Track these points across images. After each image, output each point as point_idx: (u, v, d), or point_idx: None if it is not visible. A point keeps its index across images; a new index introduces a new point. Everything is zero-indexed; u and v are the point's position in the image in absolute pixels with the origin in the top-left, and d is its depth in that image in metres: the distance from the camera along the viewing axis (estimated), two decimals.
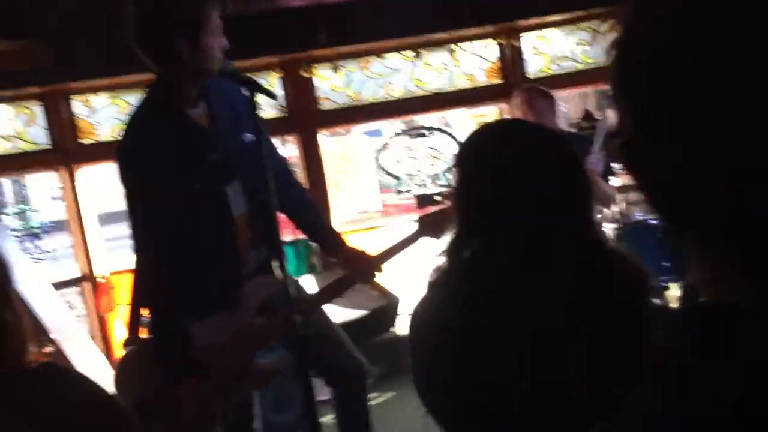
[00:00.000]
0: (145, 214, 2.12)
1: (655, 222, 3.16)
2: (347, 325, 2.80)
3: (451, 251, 1.31)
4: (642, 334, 1.18)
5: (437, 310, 1.32)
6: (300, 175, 4.55)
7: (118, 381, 2.19)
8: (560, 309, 1.20)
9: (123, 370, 2.25)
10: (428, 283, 1.37)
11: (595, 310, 1.22)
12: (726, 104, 0.51)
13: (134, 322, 2.28)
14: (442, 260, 1.32)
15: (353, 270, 2.31)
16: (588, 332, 1.20)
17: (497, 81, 4.73)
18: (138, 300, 2.31)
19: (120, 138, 2.25)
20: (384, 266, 2.32)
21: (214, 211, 2.14)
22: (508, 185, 1.25)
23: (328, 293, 2.35)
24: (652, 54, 0.55)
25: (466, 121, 5.65)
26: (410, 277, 4.17)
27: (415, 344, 1.35)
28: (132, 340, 2.28)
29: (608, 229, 3.19)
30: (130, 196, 2.11)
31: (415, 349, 1.34)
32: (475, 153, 1.33)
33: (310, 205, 2.44)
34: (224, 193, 2.15)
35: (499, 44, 4.68)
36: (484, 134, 1.36)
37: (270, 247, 2.14)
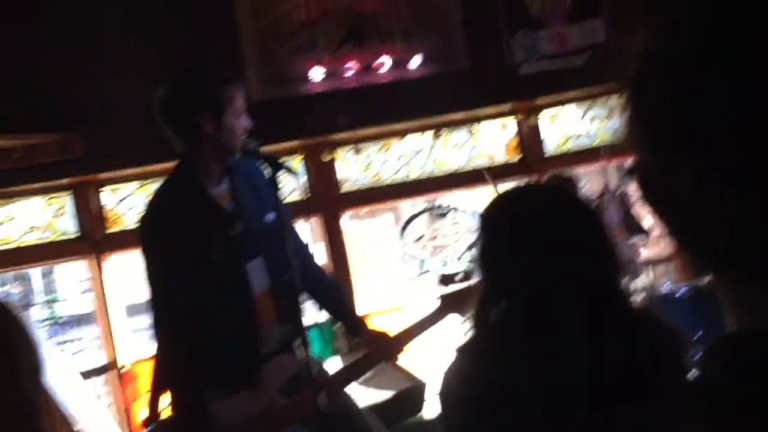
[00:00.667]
0: (165, 288, 2.13)
1: (682, 293, 3.11)
2: (372, 409, 2.74)
3: (478, 315, 1.30)
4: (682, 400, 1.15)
5: (466, 375, 1.30)
6: (323, 257, 4.56)
7: None
8: (590, 369, 1.17)
9: None
10: (456, 349, 1.35)
11: (627, 372, 1.19)
12: (758, 120, 0.49)
13: (155, 402, 2.26)
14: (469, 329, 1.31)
15: (375, 349, 2.28)
16: (621, 390, 1.17)
17: (516, 158, 4.78)
18: (159, 379, 2.29)
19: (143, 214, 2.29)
20: (407, 345, 2.30)
21: (235, 287, 2.15)
22: (531, 245, 1.25)
23: (351, 372, 2.32)
24: (675, 69, 0.53)
25: (488, 199, 5.69)
26: (437, 361, 4.11)
27: (447, 411, 1.32)
28: (152, 419, 2.25)
29: (636, 300, 3.14)
30: (151, 270, 2.13)
31: (446, 417, 1.32)
32: (497, 215, 1.34)
33: (331, 285, 2.47)
34: (245, 269, 2.16)
35: (518, 122, 4.75)
36: (506, 197, 1.38)
37: (293, 325, 2.13)
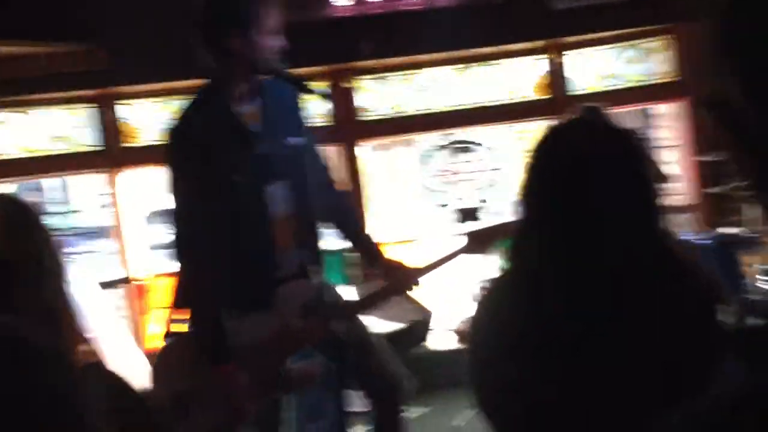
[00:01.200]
0: (187, 203, 2.14)
1: (702, 242, 3.07)
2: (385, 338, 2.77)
3: (515, 249, 1.29)
4: (711, 350, 1.14)
5: (499, 308, 1.30)
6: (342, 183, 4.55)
7: (156, 373, 2.20)
8: (627, 311, 1.16)
9: (160, 362, 2.25)
10: (490, 281, 1.34)
11: (662, 316, 1.18)
12: None
13: (174, 318, 2.29)
14: (484, 276, 1.30)
15: (393, 281, 2.28)
16: (654, 337, 1.16)
17: (543, 96, 4.67)
18: (180, 295, 2.32)
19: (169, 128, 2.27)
20: (423, 278, 2.30)
21: (255, 208, 2.14)
22: (574, 183, 1.22)
23: (367, 303, 2.33)
24: None
25: (509, 137, 5.60)
26: (442, 293, 4.13)
27: (476, 342, 1.32)
28: (171, 334, 2.28)
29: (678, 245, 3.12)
30: (174, 184, 2.14)
31: (475, 347, 1.32)
32: (546, 151, 1.31)
33: (350, 214, 2.44)
34: (264, 191, 2.15)
35: (547, 59, 4.62)
36: (552, 133, 1.34)
37: (310, 250, 2.13)
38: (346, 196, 2.50)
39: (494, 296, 1.33)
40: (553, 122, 1.38)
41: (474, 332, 1.33)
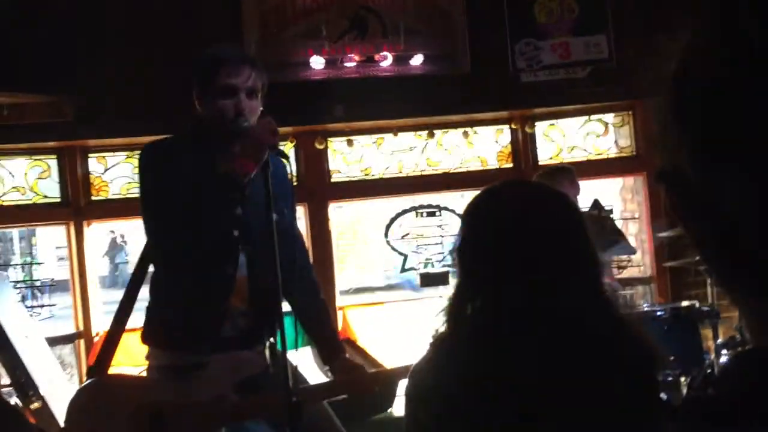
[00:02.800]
0: (154, 214, 2.13)
1: (661, 313, 3.11)
2: (343, 402, 2.72)
3: (453, 310, 1.29)
4: (650, 409, 1.15)
5: (439, 369, 1.29)
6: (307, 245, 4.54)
7: (70, 416, 2.10)
8: (565, 366, 1.17)
9: (76, 405, 2.14)
10: (430, 343, 1.34)
11: (601, 372, 1.18)
12: None
13: (106, 354, 2.24)
14: (442, 323, 1.30)
15: (345, 383, 2.20)
16: (593, 394, 1.17)
17: (508, 165, 4.78)
18: (116, 332, 2.28)
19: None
20: (381, 385, 2.22)
21: (209, 257, 2.10)
22: (509, 242, 1.24)
23: (318, 395, 2.23)
24: (725, 71, 0.51)
25: None
26: (409, 357, 4.09)
27: (415, 405, 1.31)
28: (98, 371, 2.22)
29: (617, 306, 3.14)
30: (143, 201, 2.14)
31: (414, 410, 1.31)
32: (476, 211, 1.33)
33: (318, 305, 2.34)
34: (222, 248, 2.12)
35: (512, 130, 4.75)
36: (487, 193, 1.36)
37: (268, 321, 2.10)
38: (317, 285, 2.38)
39: (432, 358, 1.32)
40: (490, 186, 1.41)
41: (413, 395, 1.33)
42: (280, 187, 2.04)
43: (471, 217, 1.34)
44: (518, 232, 1.25)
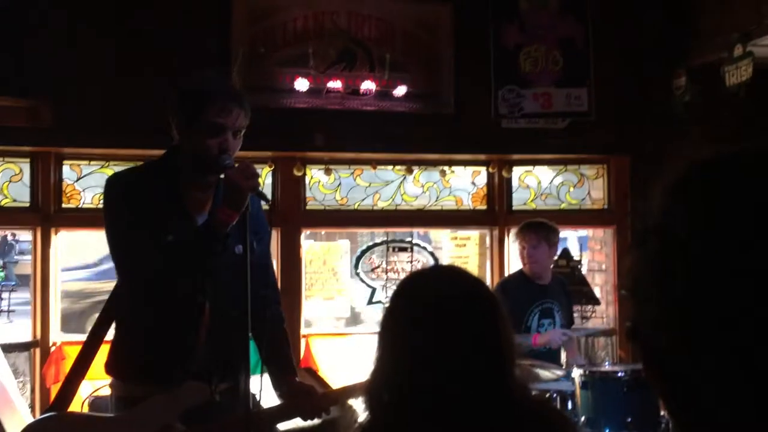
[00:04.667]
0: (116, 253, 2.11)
1: (621, 375, 3.13)
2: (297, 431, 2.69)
3: (371, 396, 1.31)
4: None
5: None
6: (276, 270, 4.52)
7: None
8: None
9: None
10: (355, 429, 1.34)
11: None
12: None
13: (69, 389, 2.20)
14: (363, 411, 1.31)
15: (296, 406, 2.19)
16: None
17: (482, 207, 4.83)
18: (83, 364, 2.25)
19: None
20: (333, 405, 2.22)
21: (173, 291, 2.08)
22: (423, 331, 1.26)
23: (273, 416, 2.22)
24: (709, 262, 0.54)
25: (447, 241, 5.71)
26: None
27: None
28: (58, 407, 2.18)
29: (576, 374, 3.16)
30: (108, 231, 2.10)
31: None
32: (398, 297, 1.36)
33: (277, 334, 2.32)
34: (187, 282, 2.10)
35: (489, 173, 4.81)
36: (410, 280, 1.39)
37: (227, 355, 2.10)
38: (281, 315, 2.37)
39: None
40: (417, 270, 1.45)
41: None
42: (251, 220, 2.03)
43: (393, 299, 1.37)
44: (433, 319, 1.27)
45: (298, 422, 3.28)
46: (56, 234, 4.31)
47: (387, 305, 1.36)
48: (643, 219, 0.61)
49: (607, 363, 3.48)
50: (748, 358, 0.52)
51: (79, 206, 4.33)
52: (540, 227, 3.83)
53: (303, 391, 2.21)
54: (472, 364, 1.25)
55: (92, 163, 4.33)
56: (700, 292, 0.54)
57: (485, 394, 1.24)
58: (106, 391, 2.41)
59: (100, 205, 4.27)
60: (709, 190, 0.58)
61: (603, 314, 4.92)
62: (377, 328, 1.37)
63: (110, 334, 2.33)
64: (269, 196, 4.32)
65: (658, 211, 0.60)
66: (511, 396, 1.28)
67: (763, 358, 0.52)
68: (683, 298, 0.55)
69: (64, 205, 4.31)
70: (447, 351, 1.24)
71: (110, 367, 2.21)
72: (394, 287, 1.43)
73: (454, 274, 1.44)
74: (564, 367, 3.58)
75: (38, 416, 3.95)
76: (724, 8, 4.22)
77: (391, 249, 5.30)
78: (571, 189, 4.90)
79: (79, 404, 2.72)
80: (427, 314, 1.28)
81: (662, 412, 3.00)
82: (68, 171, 4.32)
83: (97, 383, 3.51)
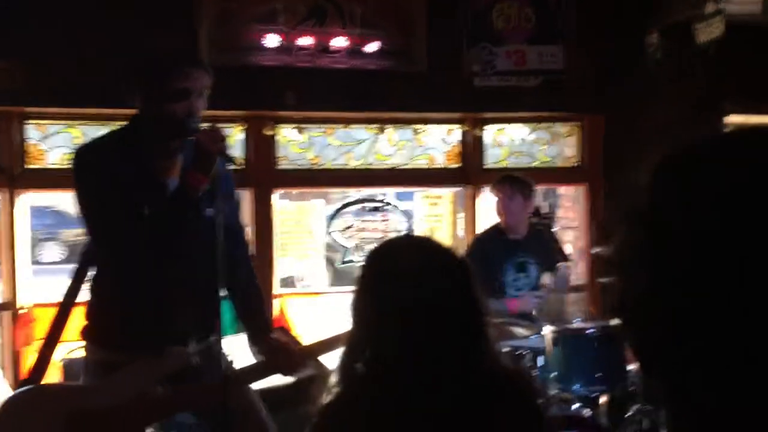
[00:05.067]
0: (89, 224, 2.09)
1: (592, 332, 3.19)
2: (272, 391, 2.71)
3: (343, 368, 1.31)
4: None
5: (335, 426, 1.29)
6: (248, 230, 4.50)
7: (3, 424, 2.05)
8: (454, 421, 1.19)
9: (9, 413, 2.09)
10: (322, 406, 1.35)
11: (486, 426, 1.22)
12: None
13: (45, 356, 2.19)
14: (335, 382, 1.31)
15: (273, 363, 2.24)
16: None
17: (456, 165, 4.82)
18: (57, 331, 2.23)
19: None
20: (313, 359, 2.25)
21: (149, 259, 2.08)
22: (397, 302, 1.26)
23: (252, 374, 2.26)
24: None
25: (419, 200, 5.71)
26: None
27: None
28: (35, 378, 2.18)
29: (547, 331, 3.21)
30: (80, 205, 2.08)
31: None
32: (370, 267, 1.35)
33: (251, 291, 2.37)
34: (164, 247, 2.08)
35: (462, 131, 4.79)
36: (382, 250, 1.39)
37: (204, 317, 2.10)
38: (253, 273, 2.42)
39: (325, 422, 1.33)
40: (388, 239, 1.44)
41: None
42: (220, 182, 2.04)
43: (365, 269, 1.36)
44: (404, 294, 1.27)
45: (275, 380, 3.31)
46: (17, 196, 4.22)
47: (357, 278, 1.35)
48: (632, 198, 0.62)
49: (577, 319, 3.53)
50: (733, 343, 0.54)
51: (45, 167, 4.23)
52: (515, 180, 3.85)
53: (279, 348, 2.24)
54: (446, 337, 1.25)
55: (57, 122, 4.23)
56: (685, 276, 0.56)
57: (458, 367, 1.25)
58: (80, 353, 2.40)
59: (66, 165, 4.21)
60: (695, 175, 0.59)
61: (574, 270, 4.99)
62: (351, 287, 1.36)
63: (84, 295, 2.33)
64: (239, 157, 4.32)
65: (646, 193, 0.61)
66: (484, 367, 1.29)
67: (749, 342, 0.54)
68: (670, 281, 0.57)
69: (28, 166, 4.21)
70: (419, 324, 1.24)
71: (87, 333, 2.20)
72: (367, 248, 1.43)
73: (426, 244, 1.44)
74: (535, 322, 3.63)
75: (15, 387, 3.92)
76: None
77: (363, 208, 5.30)
78: (544, 147, 4.91)
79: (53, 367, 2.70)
80: (399, 287, 1.28)
81: (629, 367, 3.08)
82: (33, 131, 4.22)
83: (70, 345, 3.51)
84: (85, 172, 2.08)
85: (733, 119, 4.92)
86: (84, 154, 2.14)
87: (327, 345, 2.19)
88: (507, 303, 3.67)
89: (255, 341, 2.29)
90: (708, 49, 4.01)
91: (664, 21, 4.40)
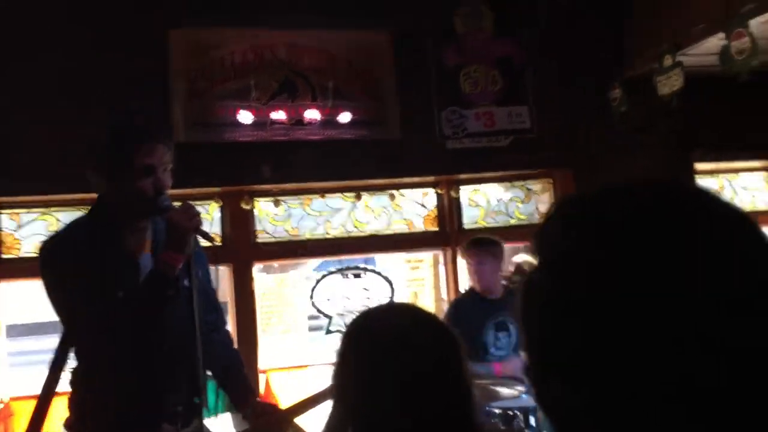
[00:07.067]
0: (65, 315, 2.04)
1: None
2: None
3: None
4: None
5: None
6: (230, 306, 4.44)
7: None
8: None
9: None
10: None
11: None
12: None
13: None
14: None
15: (258, 426, 2.20)
16: None
17: (434, 229, 4.84)
18: (37, 425, 2.16)
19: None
20: (295, 421, 2.22)
21: (130, 340, 2.04)
22: (381, 367, 1.23)
23: None
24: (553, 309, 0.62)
25: (400, 265, 5.71)
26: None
27: None
28: None
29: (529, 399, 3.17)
30: (51, 294, 2.03)
31: None
32: (350, 339, 1.32)
33: (230, 354, 2.36)
34: (146, 327, 2.05)
35: (438, 194, 4.84)
36: (363, 319, 1.36)
37: (186, 395, 2.06)
38: (229, 336, 2.42)
39: None
40: (373, 306, 1.43)
41: None
42: (195, 257, 2.04)
43: (344, 340, 1.33)
44: (387, 357, 1.25)
45: None
46: None
47: (338, 349, 1.31)
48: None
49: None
50: (617, 395, 0.58)
51: (21, 256, 4.18)
52: (482, 243, 3.85)
53: (265, 410, 2.23)
54: (431, 407, 1.22)
55: (31, 210, 4.20)
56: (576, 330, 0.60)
57: None
58: None
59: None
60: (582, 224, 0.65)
61: None
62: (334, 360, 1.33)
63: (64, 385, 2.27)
64: (214, 232, 4.30)
65: (547, 244, 0.68)
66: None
67: (630, 393, 0.57)
68: (562, 333, 0.62)
69: (4, 256, 4.16)
70: (402, 394, 1.21)
71: (71, 425, 2.14)
72: (351, 316, 1.40)
73: (407, 312, 1.41)
74: (524, 382, 3.58)
75: None
76: (654, 23, 4.37)
77: (344, 276, 5.27)
78: (520, 205, 4.96)
79: None
80: (380, 357, 1.24)
81: None
82: (7, 221, 4.18)
83: None
84: (55, 261, 2.03)
85: (703, 167, 5.02)
86: (52, 244, 2.09)
87: (306, 404, 2.17)
88: (493, 366, 3.62)
89: (238, 406, 2.26)
90: (671, 101, 4.12)
91: (626, 75, 4.54)
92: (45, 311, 2.12)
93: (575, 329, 0.59)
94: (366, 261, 5.59)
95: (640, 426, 0.57)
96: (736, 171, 5.39)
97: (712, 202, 0.62)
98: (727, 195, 5.25)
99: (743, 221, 0.61)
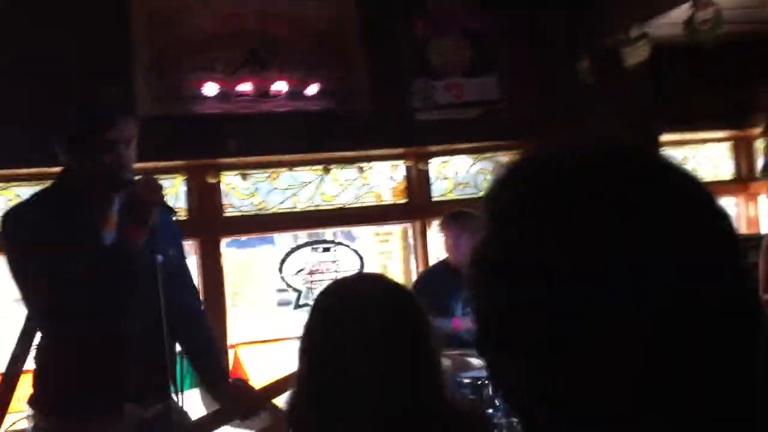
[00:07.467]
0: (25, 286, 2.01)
1: None
2: None
3: (292, 412, 1.27)
4: None
5: None
6: (197, 283, 4.40)
7: None
8: None
9: None
10: None
11: None
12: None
13: None
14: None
15: (231, 409, 2.19)
16: None
17: (402, 201, 4.83)
18: (4, 402, 2.13)
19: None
20: (271, 402, 2.22)
21: (94, 317, 2.01)
22: (348, 335, 1.22)
23: (209, 425, 2.21)
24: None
25: (370, 238, 5.70)
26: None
27: None
28: None
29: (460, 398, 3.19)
30: (11, 269, 2.00)
31: None
32: (321, 304, 1.31)
33: (203, 335, 2.34)
34: (110, 303, 2.02)
35: (407, 167, 4.82)
36: (333, 285, 1.36)
37: (157, 372, 2.04)
38: (204, 317, 2.40)
39: None
40: (342, 277, 1.42)
41: None
42: (163, 229, 2.01)
43: (313, 309, 1.32)
44: (354, 324, 1.24)
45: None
46: None
47: (307, 319, 1.30)
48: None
49: None
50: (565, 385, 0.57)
51: None
52: (461, 217, 3.85)
53: (236, 393, 2.23)
54: (396, 374, 1.21)
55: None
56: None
57: (414, 406, 1.21)
58: (23, 424, 2.30)
59: None
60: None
61: None
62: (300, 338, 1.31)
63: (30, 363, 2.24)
64: (180, 207, 4.23)
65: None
66: (436, 406, 1.25)
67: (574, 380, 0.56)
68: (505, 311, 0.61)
69: None
70: (368, 361, 1.20)
71: (34, 402, 2.11)
72: (318, 291, 1.38)
73: (373, 281, 1.40)
74: None
75: None
76: None
77: (313, 250, 5.25)
78: (488, 177, 4.97)
79: None
80: (347, 324, 1.23)
81: None
82: None
83: (13, 417, 3.34)
84: (16, 233, 2.00)
85: (668, 138, 5.08)
86: (13, 215, 2.06)
87: (280, 385, 2.17)
88: (453, 321, 3.65)
89: (211, 388, 2.24)
90: (638, 72, 4.14)
91: (594, 46, 4.54)
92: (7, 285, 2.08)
93: (507, 294, 0.60)
94: (345, 236, 5.58)
95: (575, 394, 0.56)
96: (703, 141, 5.47)
97: (666, 167, 0.60)
98: (690, 166, 5.32)
99: (696, 189, 0.60)
